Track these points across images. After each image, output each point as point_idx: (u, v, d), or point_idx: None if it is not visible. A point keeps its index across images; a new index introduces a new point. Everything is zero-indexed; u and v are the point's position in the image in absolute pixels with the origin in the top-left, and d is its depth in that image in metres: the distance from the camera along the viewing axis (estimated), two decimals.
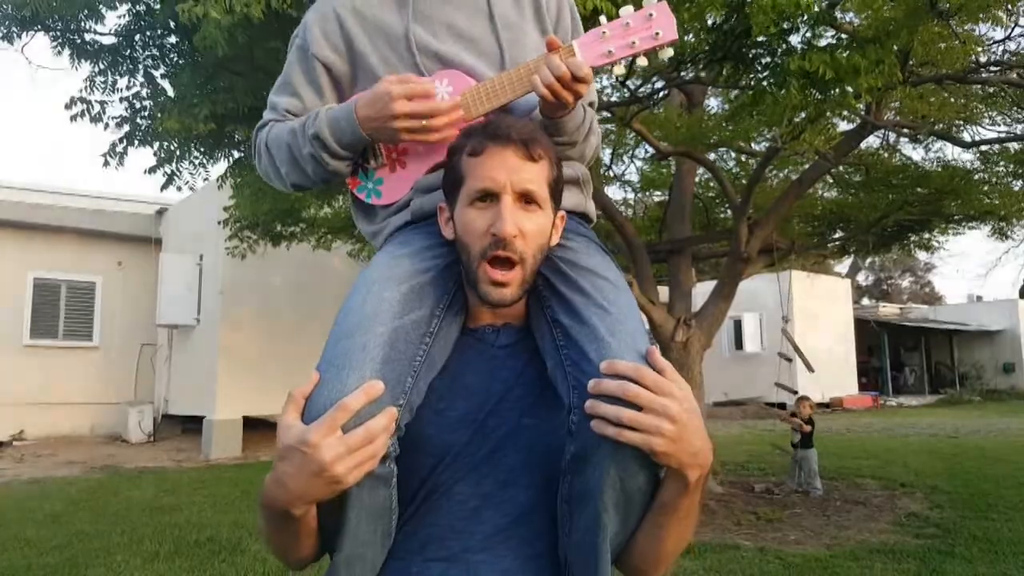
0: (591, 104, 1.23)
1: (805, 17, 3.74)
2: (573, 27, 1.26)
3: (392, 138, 1.09)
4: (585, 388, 0.88)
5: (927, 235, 9.75)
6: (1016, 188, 8.39)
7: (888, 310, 28.15)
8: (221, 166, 6.50)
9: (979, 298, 29.47)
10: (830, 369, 20.27)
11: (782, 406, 13.10)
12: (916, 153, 7.83)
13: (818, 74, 3.62)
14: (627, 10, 1.07)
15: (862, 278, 47.43)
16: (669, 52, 1.11)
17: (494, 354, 1.05)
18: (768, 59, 4.09)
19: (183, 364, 12.53)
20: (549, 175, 1.00)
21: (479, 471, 0.99)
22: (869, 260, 38.45)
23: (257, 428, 11.98)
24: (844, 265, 28.83)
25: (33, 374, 12.15)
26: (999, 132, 7.27)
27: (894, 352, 25.35)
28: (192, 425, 12.36)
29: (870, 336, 23.60)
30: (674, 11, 1.12)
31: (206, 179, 6.20)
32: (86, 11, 4.58)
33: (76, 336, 13.00)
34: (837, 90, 3.89)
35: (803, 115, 4.35)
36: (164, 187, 5.98)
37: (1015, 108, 6.33)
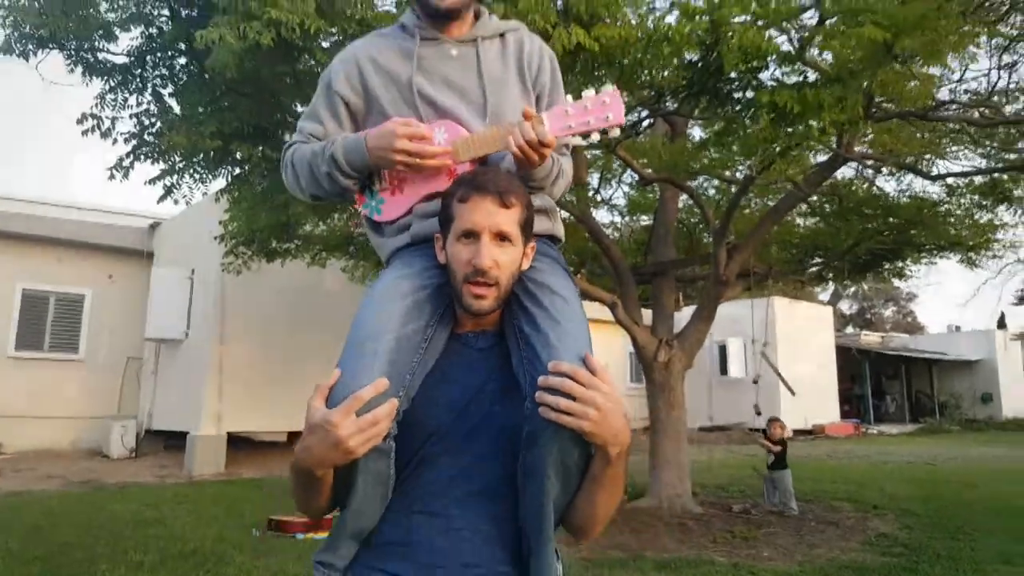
0: (566, 146, 1.46)
1: (773, 56, 4.02)
2: (552, 84, 1.49)
3: (390, 167, 1.34)
4: (536, 383, 1.14)
5: (900, 263, 10.09)
6: (983, 220, 8.74)
7: (870, 338, 28.53)
8: (219, 182, 6.68)
9: (957, 328, 29.93)
10: (812, 396, 20.52)
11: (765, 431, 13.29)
12: (889, 184, 8.13)
13: (786, 108, 3.89)
14: (588, 93, 1.31)
15: (846, 307, 48.05)
16: (616, 132, 1.35)
17: (474, 355, 1.30)
18: (740, 94, 4.34)
19: (169, 379, 12.56)
20: (520, 217, 1.26)
21: (459, 447, 1.23)
22: (852, 289, 39.00)
23: (240, 446, 12.02)
24: (827, 293, 29.24)
25: (17, 386, 12.12)
26: (965, 166, 7.60)
27: (875, 380, 25.66)
28: (174, 442, 12.34)
29: (852, 364, 23.91)
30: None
31: (204, 193, 6.38)
32: (100, 32, 4.79)
33: (62, 349, 13.00)
34: (803, 125, 4.14)
35: (775, 147, 4.61)
36: (161, 199, 6.14)
37: (975, 145, 6.64)
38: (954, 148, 7.67)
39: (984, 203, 8.34)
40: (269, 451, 12.73)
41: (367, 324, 1.22)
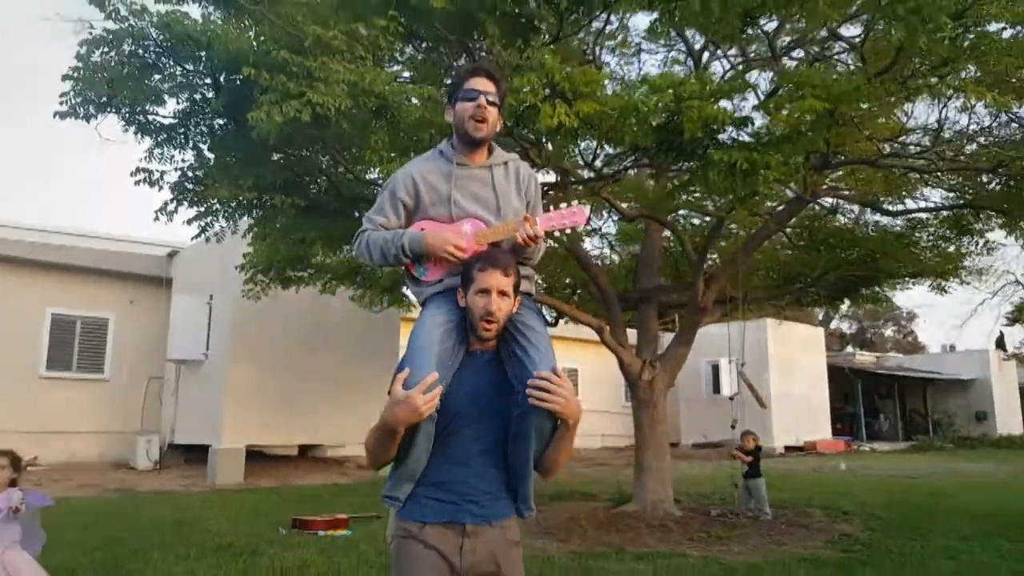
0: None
1: (727, 122, 4.82)
2: (536, 194, 2.30)
3: (437, 257, 2.14)
4: (525, 383, 1.91)
5: (876, 289, 10.85)
6: (950, 250, 9.51)
7: (864, 358, 29.10)
8: (245, 220, 7.49)
9: (952, 348, 30.52)
10: (804, 414, 21.15)
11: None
12: (851, 220, 8.91)
13: (737, 166, 4.68)
14: (564, 205, 2.15)
15: (846, 327, 48.61)
16: (580, 228, 2.15)
17: (481, 365, 2.08)
18: (701, 150, 5.13)
19: (190, 397, 13.32)
20: (514, 281, 2.03)
21: (475, 423, 2.01)
22: (848, 310, 39.57)
23: (256, 459, 12.75)
24: (821, 314, 29.81)
25: (48, 404, 12.88)
26: (930, 203, 8.41)
27: (869, 399, 26.23)
28: (194, 455, 13.09)
29: (846, 383, 24.49)
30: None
31: (234, 232, 7.17)
32: (153, 97, 5.62)
33: (88, 369, 13.76)
34: (754, 177, 4.92)
35: (731, 196, 5.37)
36: (195, 237, 6.96)
37: (927, 187, 7.44)
38: (923, 186, 8.48)
39: (949, 235, 9.14)
40: (283, 464, 13.46)
41: (421, 339, 1.97)
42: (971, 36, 3.94)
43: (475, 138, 2.15)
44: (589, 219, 2.30)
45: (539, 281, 10.26)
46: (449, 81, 2.28)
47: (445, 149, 2.22)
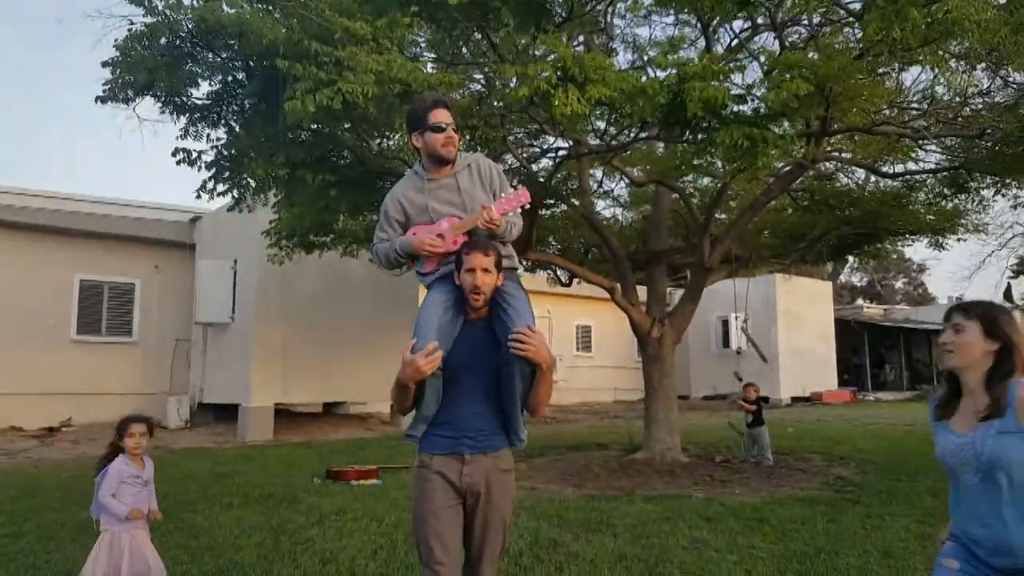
0: (513, 212, 2.78)
1: (727, 101, 5.15)
2: (500, 181, 2.79)
3: (422, 253, 2.68)
4: (508, 336, 2.42)
5: (877, 246, 11.21)
6: (948, 208, 9.82)
7: (872, 311, 29.50)
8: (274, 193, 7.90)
9: (959, 299, 30.77)
10: (811, 366, 21.67)
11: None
12: (851, 181, 9.22)
13: (738, 144, 5.04)
14: (510, 190, 2.70)
15: (857, 279, 48.83)
16: (527, 206, 2.70)
17: (476, 329, 2.61)
18: (705, 124, 5.47)
19: (218, 358, 13.92)
20: (495, 260, 2.54)
21: (473, 374, 2.53)
22: (858, 264, 39.73)
23: (283, 417, 13.41)
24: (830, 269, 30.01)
25: (79, 367, 13.48)
26: (925, 163, 8.71)
27: (876, 350, 26.70)
28: (223, 413, 13.75)
29: (853, 335, 24.94)
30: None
31: (264, 204, 7.60)
32: (188, 80, 5.99)
33: (117, 332, 14.32)
34: (753, 150, 5.27)
35: (736, 164, 5.71)
36: (231, 209, 7.39)
37: (917, 150, 7.73)
38: (919, 149, 8.76)
39: (947, 193, 9.45)
40: (309, 420, 14.14)
41: (425, 314, 2.53)
42: (940, 19, 4.23)
43: (448, 159, 2.71)
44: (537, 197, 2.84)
45: (554, 242, 10.69)
46: (409, 116, 2.91)
47: (418, 170, 2.80)
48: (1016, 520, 1.94)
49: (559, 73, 4.77)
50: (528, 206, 2.74)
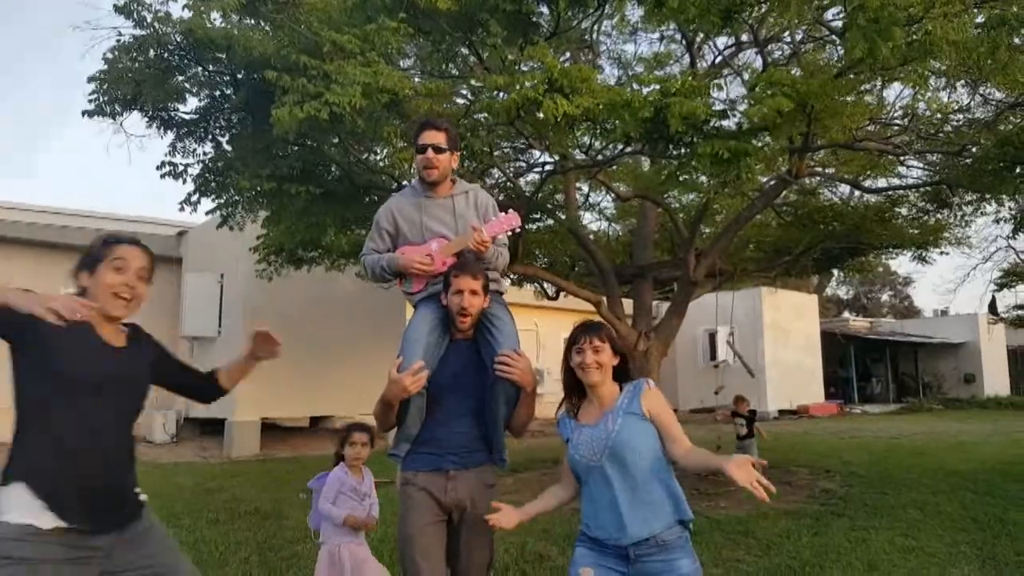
0: (503, 244, 2.82)
1: (708, 116, 5.23)
2: (492, 210, 2.82)
3: (410, 273, 2.70)
4: (494, 360, 2.49)
5: (862, 259, 11.33)
6: (931, 222, 9.96)
7: (858, 324, 29.70)
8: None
9: (944, 312, 31.09)
10: (798, 379, 21.76)
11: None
12: (835, 196, 9.35)
13: (720, 155, 5.10)
14: (501, 214, 2.72)
15: (843, 292, 49.20)
16: (516, 230, 2.74)
17: (462, 349, 2.65)
18: (688, 139, 5.54)
19: None
20: (483, 283, 2.59)
21: (457, 394, 2.57)
22: (844, 277, 40.08)
23: (269, 432, 13.30)
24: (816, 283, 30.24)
25: None
26: (907, 179, 8.85)
27: (862, 363, 26.85)
28: (210, 428, 13.64)
29: (839, 348, 25.10)
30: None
31: (254, 221, 7.60)
32: (175, 95, 6.00)
33: None
34: (736, 165, 5.34)
35: (719, 179, 5.79)
36: (220, 226, 7.38)
37: (899, 165, 7.86)
38: (900, 165, 8.90)
39: (929, 208, 9.59)
40: (295, 435, 14.05)
41: (412, 334, 2.56)
42: (920, 38, 4.32)
43: (428, 181, 2.75)
44: (524, 221, 2.92)
45: (540, 255, 10.73)
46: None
47: (416, 185, 2.84)
48: None
49: (546, 84, 4.83)
50: (518, 230, 2.77)
